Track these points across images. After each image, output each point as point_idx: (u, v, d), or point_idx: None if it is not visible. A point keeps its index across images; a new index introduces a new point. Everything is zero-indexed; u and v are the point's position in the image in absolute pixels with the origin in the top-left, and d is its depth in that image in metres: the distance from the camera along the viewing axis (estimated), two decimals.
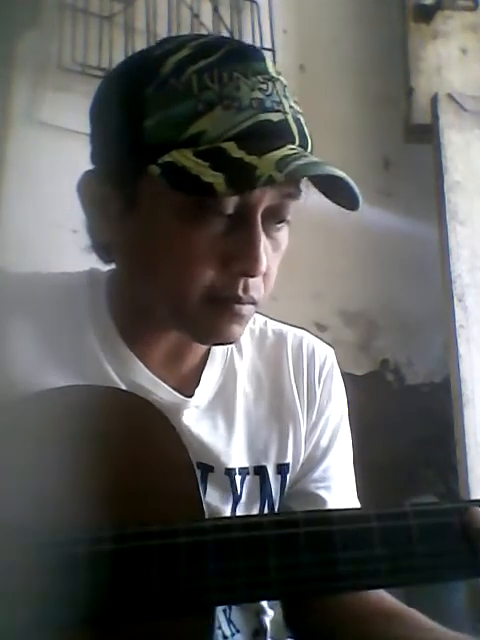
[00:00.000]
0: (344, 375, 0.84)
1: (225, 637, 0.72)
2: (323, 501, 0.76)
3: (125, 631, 0.51)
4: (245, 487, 0.73)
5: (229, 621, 0.74)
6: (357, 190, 0.60)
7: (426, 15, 1.81)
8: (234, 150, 0.56)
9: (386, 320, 1.80)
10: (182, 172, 0.56)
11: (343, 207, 0.63)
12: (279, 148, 0.58)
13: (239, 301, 0.62)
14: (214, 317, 0.63)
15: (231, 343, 0.71)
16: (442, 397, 1.65)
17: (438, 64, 1.80)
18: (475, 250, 1.65)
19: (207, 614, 0.53)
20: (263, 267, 0.60)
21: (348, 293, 1.75)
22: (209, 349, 0.75)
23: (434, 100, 1.72)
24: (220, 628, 0.72)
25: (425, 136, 1.74)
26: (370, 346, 1.79)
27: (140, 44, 1.55)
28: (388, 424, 1.72)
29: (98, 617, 0.50)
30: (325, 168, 0.59)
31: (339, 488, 0.78)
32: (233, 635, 0.74)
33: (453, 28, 1.84)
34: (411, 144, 1.80)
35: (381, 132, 1.83)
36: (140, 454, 0.59)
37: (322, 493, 0.77)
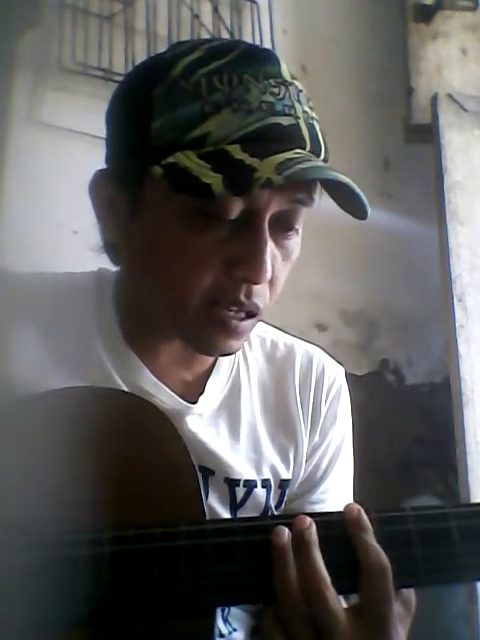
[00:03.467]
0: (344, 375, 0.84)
1: (222, 635, 0.72)
2: None
3: (126, 633, 0.51)
4: (245, 498, 0.72)
5: (226, 620, 0.74)
6: (364, 197, 0.58)
7: (426, 15, 1.81)
8: (237, 152, 0.55)
9: (386, 320, 1.80)
10: (183, 173, 0.55)
11: (353, 216, 0.61)
12: (284, 151, 0.56)
13: (241, 307, 0.61)
14: (211, 329, 0.62)
15: (229, 355, 0.70)
16: (442, 397, 1.65)
17: (438, 64, 1.79)
18: (475, 250, 1.64)
19: (208, 616, 0.53)
20: (268, 274, 0.58)
21: (348, 293, 1.75)
22: (216, 357, 0.74)
23: (434, 100, 1.72)
24: (217, 627, 0.72)
25: (425, 136, 1.73)
26: (370, 346, 1.79)
27: (140, 44, 1.55)
28: (388, 424, 1.72)
29: (99, 619, 0.49)
30: (327, 173, 0.57)
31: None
32: (230, 633, 0.73)
33: (453, 28, 1.83)
34: (411, 144, 1.79)
35: (381, 132, 1.83)
36: (141, 455, 0.59)
37: None
